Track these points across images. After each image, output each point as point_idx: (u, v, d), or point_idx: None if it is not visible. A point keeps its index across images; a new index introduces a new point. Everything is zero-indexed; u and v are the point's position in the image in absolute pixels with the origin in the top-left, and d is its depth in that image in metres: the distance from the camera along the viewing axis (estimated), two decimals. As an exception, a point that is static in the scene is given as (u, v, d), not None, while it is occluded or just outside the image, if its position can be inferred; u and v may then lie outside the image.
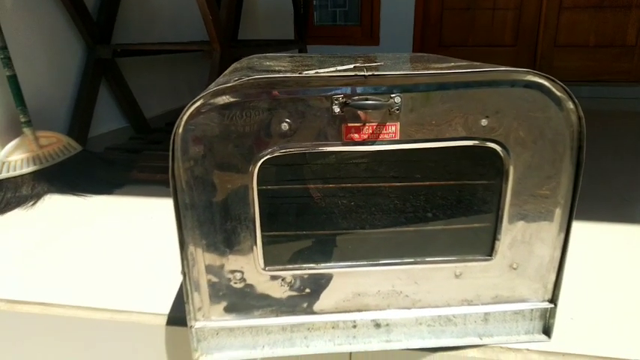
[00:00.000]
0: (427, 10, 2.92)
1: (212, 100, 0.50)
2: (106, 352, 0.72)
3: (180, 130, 0.51)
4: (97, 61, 1.51)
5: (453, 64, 0.62)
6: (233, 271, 0.57)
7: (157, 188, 1.22)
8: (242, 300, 0.59)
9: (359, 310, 0.60)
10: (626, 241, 0.92)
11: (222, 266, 0.57)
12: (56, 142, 1.26)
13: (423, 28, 2.95)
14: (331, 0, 3.08)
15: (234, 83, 0.49)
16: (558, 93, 0.52)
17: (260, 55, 0.89)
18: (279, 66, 0.64)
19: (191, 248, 0.55)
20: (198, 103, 0.50)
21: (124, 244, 0.92)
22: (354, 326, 0.60)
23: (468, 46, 2.96)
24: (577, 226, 0.98)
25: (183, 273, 0.56)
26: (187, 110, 0.50)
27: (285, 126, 0.52)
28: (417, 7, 2.86)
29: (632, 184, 1.26)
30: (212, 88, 0.50)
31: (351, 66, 0.57)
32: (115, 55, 1.51)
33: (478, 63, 0.62)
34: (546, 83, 0.51)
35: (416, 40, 2.93)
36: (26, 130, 1.18)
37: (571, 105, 0.52)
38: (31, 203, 1.13)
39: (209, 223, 0.55)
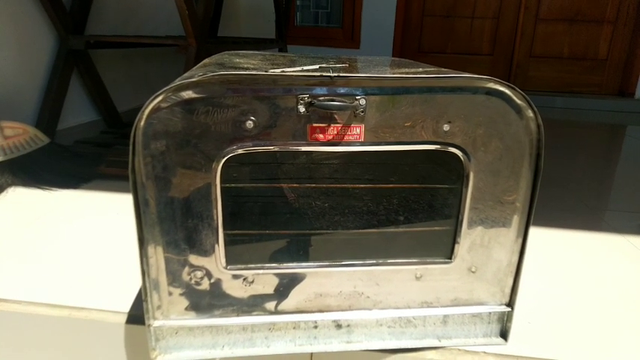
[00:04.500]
0: (408, 15, 2.95)
1: (175, 95, 0.50)
2: (64, 349, 0.70)
3: (142, 123, 0.50)
4: (69, 52, 1.47)
5: (421, 69, 0.63)
6: (194, 270, 0.57)
7: (125, 184, 1.20)
8: (202, 299, 0.58)
9: (320, 311, 0.60)
10: (585, 247, 0.95)
11: (182, 264, 0.56)
12: (22, 134, 1.22)
13: (403, 33, 2.98)
14: (314, 1, 3.08)
15: (198, 79, 0.49)
16: (518, 101, 0.53)
17: (231, 51, 0.88)
18: (248, 63, 0.64)
19: (150, 245, 0.54)
20: (160, 97, 0.49)
21: (88, 239, 0.90)
22: (316, 327, 0.60)
23: (446, 53, 3.01)
24: (539, 232, 1.02)
25: (142, 271, 0.55)
26: (149, 104, 0.49)
27: (249, 124, 0.52)
28: (398, 12, 2.89)
29: (596, 193, 1.30)
30: (176, 82, 0.50)
31: (317, 66, 0.57)
32: (88, 47, 1.47)
33: (446, 69, 0.63)
34: (507, 91, 0.53)
35: (396, 45, 2.96)
36: (-10, 120, 1.14)
37: (530, 113, 0.53)
38: (-7, 195, 1.10)
39: (169, 221, 0.54)
